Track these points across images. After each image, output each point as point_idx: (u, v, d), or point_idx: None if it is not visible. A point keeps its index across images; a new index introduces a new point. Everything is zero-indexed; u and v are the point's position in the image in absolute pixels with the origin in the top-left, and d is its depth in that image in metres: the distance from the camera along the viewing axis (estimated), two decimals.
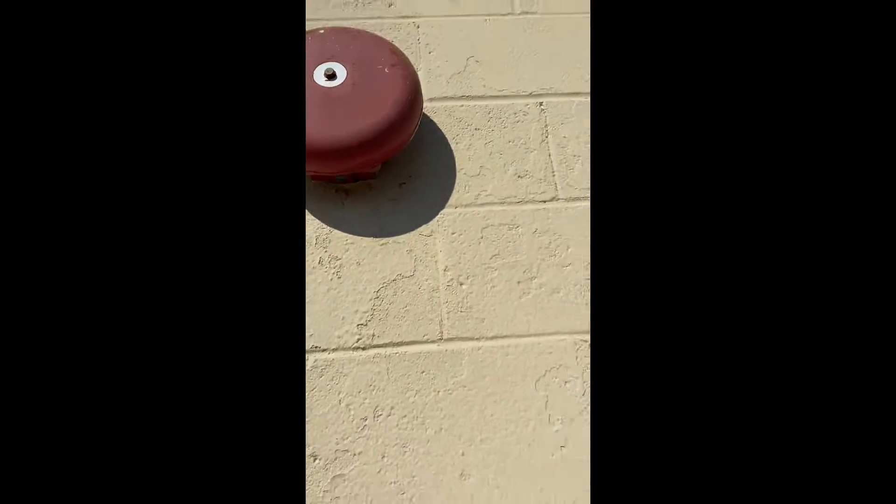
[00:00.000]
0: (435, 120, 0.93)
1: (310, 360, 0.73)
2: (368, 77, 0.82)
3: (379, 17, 1.04)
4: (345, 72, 0.82)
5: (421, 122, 0.90)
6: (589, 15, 1.03)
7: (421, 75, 0.97)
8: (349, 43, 0.86)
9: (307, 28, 0.95)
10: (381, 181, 0.87)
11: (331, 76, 0.82)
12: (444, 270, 0.81)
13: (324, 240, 0.82)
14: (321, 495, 0.67)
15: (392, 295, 0.78)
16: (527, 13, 1.08)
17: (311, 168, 0.81)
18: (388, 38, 0.99)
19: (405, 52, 0.96)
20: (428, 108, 0.94)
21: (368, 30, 0.98)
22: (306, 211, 0.84)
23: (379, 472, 0.68)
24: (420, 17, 1.04)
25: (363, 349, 0.74)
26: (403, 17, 1.04)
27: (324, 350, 0.74)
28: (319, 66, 0.83)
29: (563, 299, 0.80)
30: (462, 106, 0.96)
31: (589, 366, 0.75)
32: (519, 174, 0.90)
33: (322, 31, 0.88)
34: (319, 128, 0.78)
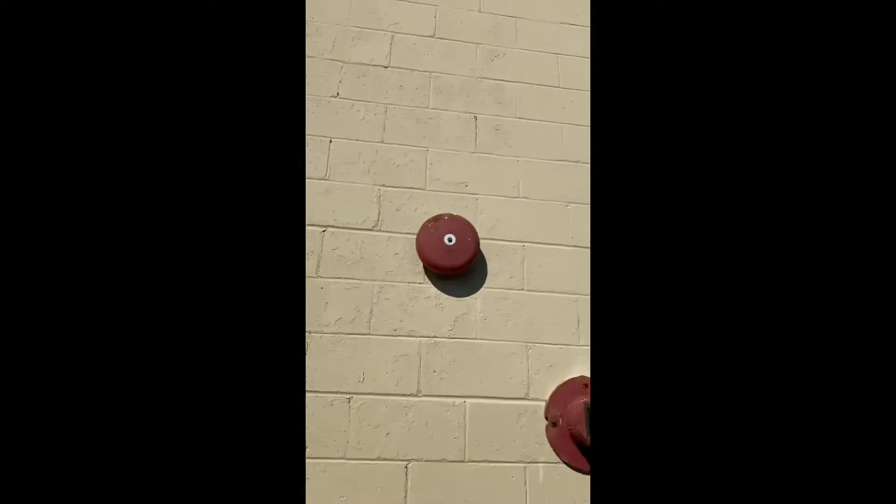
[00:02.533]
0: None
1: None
2: (462, 239, 2.08)
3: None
4: (455, 238, 2.07)
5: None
6: None
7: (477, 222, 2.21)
8: (455, 225, 2.10)
9: None
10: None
11: (450, 240, 2.07)
12: None
13: None
14: None
15: None
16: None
17: (443, 270, 2.06)
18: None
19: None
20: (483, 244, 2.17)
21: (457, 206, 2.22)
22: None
23: None
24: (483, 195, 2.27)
25: None
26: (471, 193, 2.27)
27: None
28: (445, 236, 2.07)
29: None
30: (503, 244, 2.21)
31: None
32: None
33: (447, 218, 2.12)
34: (445, 261, 2.04)
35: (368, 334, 1.92)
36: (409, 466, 1.79)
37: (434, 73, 2.51)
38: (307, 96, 2.39)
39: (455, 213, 2.19)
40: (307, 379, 1.87)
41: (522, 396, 1.91)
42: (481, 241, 2.15)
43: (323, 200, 2.17)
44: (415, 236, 2.10)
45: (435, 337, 2.03)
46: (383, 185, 2.23)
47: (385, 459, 1.78)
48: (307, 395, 1.84)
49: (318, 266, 2.03)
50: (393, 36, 2.57)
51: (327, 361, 1.94)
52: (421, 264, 2.13)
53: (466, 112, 2.46)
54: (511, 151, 2.40)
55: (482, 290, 2.10)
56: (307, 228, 2.10)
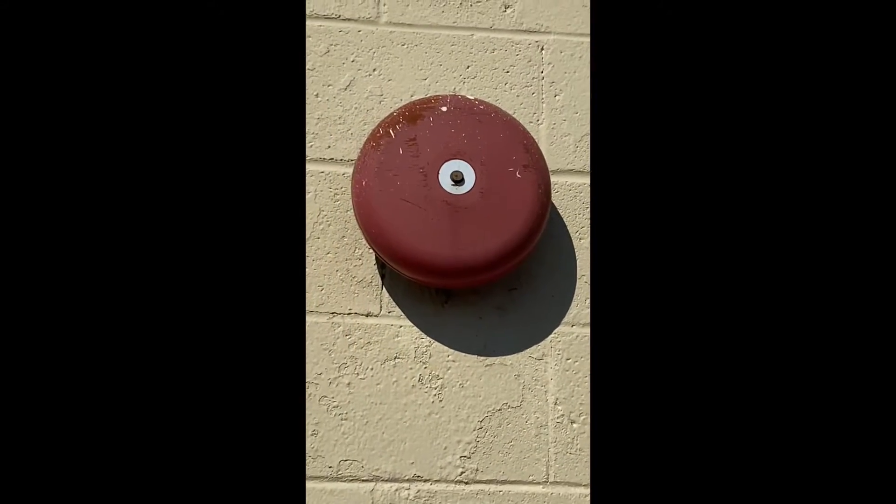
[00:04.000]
0: (557, 202, 0.76)
1: (412, 489, 0.74)
2: (498, 183, 0.72)
3: (490, 29, 0.80)
4: (473, 175, 0.71)
5: None
6: None
7: (542, 130, 0.77)
8: (477, 131, 0.72)
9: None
10: (487, 283, 0.76)
11: (458, 181, 0.71)
12: (555, 404, 0.74)
13: (423, 353, 0.76)
14: None
15: (497, 427, 0.74)
16: None
17: (421, 279, 0.74)
18: (501, 60, 0.78)
19: (524, 89, 0.76)
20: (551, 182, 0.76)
21: (476, 45, 0.78)
22: (404, 316, 0.77)
23: None
24: (547, 33, 0.79)
25: (466, 483, 0.73)
26: (524, 30, 0.80)
27: (426, 481, 0.74)
28: (446, 165, 0.72)
29: None
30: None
31: None
32: None
33: (445, 109, 0.73)
34: (440, 245, 0.71)
35: None
36: None
37: None
38: None
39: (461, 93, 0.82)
40: None
41: None
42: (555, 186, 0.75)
43: None
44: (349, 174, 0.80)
45: None
46: None
47: None
48: None
49: None
50: None
51: None
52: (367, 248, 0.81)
53: None
54: None
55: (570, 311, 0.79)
56: None
